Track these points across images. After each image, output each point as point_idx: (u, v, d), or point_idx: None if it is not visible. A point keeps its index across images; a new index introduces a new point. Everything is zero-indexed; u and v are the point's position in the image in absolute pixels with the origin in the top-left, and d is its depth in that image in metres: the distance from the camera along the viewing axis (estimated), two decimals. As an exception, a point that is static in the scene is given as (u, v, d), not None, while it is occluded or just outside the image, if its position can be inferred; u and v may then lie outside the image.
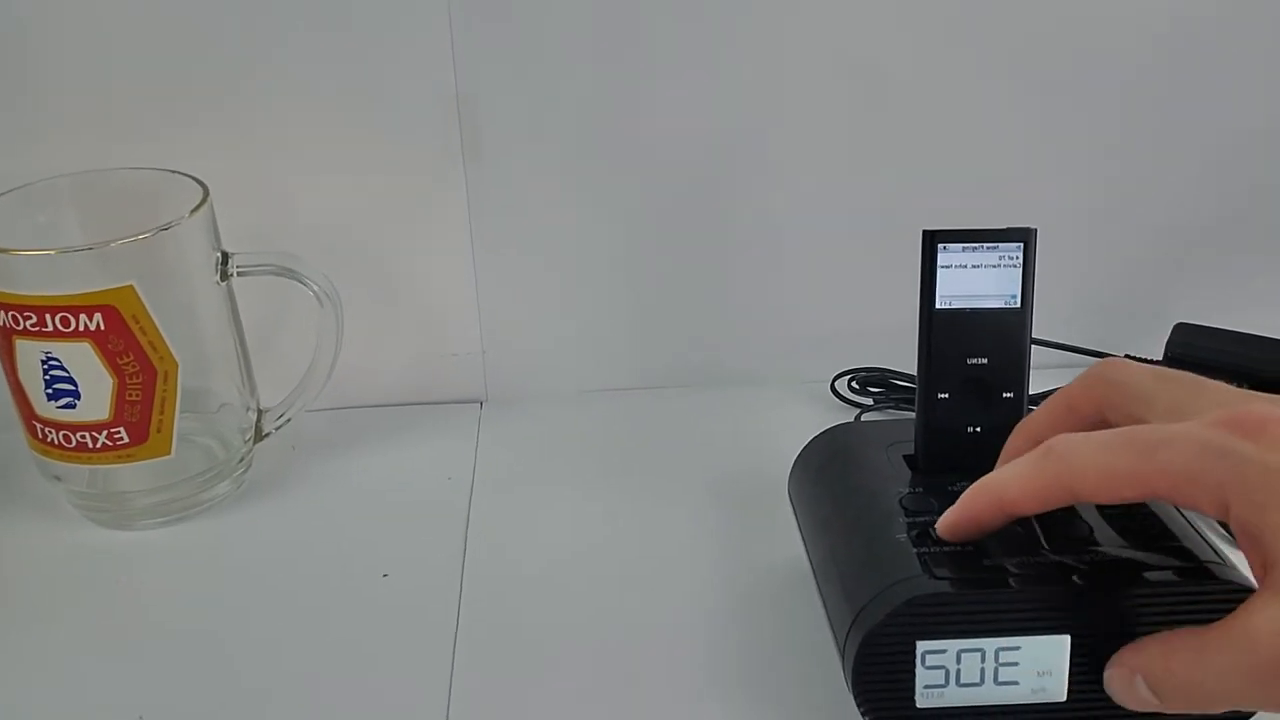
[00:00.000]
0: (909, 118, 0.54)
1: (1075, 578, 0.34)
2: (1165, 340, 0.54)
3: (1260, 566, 0.29)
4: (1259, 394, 0.32)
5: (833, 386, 0.57)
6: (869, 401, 0.56)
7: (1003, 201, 0.54)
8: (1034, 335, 0.55)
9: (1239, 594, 0.33)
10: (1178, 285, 0.57)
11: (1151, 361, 0.54)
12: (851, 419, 0.54)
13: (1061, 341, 0.56)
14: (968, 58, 0.53)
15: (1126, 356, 0.55)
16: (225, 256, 0.48)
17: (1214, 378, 0.52)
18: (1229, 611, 0.30)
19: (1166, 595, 0.34)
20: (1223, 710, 0.30)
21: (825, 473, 0.43)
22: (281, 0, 0.50)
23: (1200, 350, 0.53)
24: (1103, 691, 0.34)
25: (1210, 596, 0.33)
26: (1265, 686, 0.28)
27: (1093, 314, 0.57)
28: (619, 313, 0.58)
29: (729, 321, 0.58)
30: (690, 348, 0.59)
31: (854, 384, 0.56)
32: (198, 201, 0.46)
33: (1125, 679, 0.32)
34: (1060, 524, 0.36)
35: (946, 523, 0.35)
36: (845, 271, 0.56)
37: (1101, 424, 0.34)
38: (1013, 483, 0.33)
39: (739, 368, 0.59)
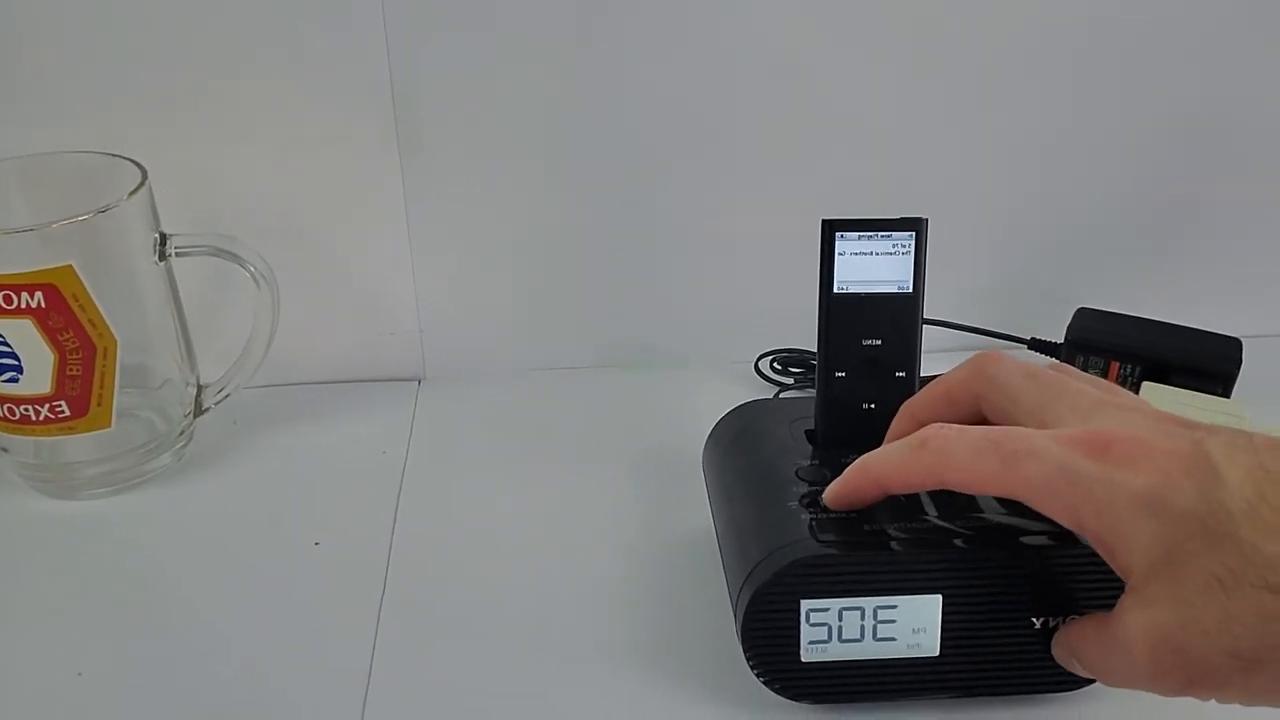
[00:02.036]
0: (825, 114, 0.56)
1: (950, 542, 0.37)
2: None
3: (1121, 573, 0.32)
4: (1114, 396, 0.34)
5: (756, 367, 0.59)
6: (790, 381, 0.58)
7: (917, 191, 0.56)
8: (942, 318, 0.58)
9: (1090, 554, 0.35)
10: (1082, 272, 0.60)
11: (1053, 344, 0.57)
12: (771, 397, 0.57)
13: (971, 324, 0.58)
14: (880, 55, 0.55)
15: (1032, 339, 0.58)
16: (164, 238, 0.49)
17: (1111, 360, 0.56)
18: (1096, 573, 0.33)
19: (1034, 559, 0.36)
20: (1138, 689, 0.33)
21: (733, 446, 0.45)
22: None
23: (1097, 334, 0.55)
24: (973, 647, 0.37)
25: (1076, 560, 0.36)
26: (1149, 681, 0.31)
27: (1001, 298, 0.60)
28: (553, 295, 0.59)
29: (659, 305, 0.60)
30: (621, 331, 0.61)
31: (775, 364, 0.59)
32: (136, 184, 0.48)
33: (1063, 655, 0.36)
34: (944, 493, 0.39)
35: (831, 493, 0.38)
36: (768, 258, 0.58)
37: (975, 413, 0.37)
38: (889, 466, 0.36)
39: (668, 349, 0.61)
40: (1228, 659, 0.29)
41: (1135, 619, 0.31)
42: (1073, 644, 0.36)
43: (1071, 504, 0.31)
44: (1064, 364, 0.36)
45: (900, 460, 0.35)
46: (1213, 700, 0.30)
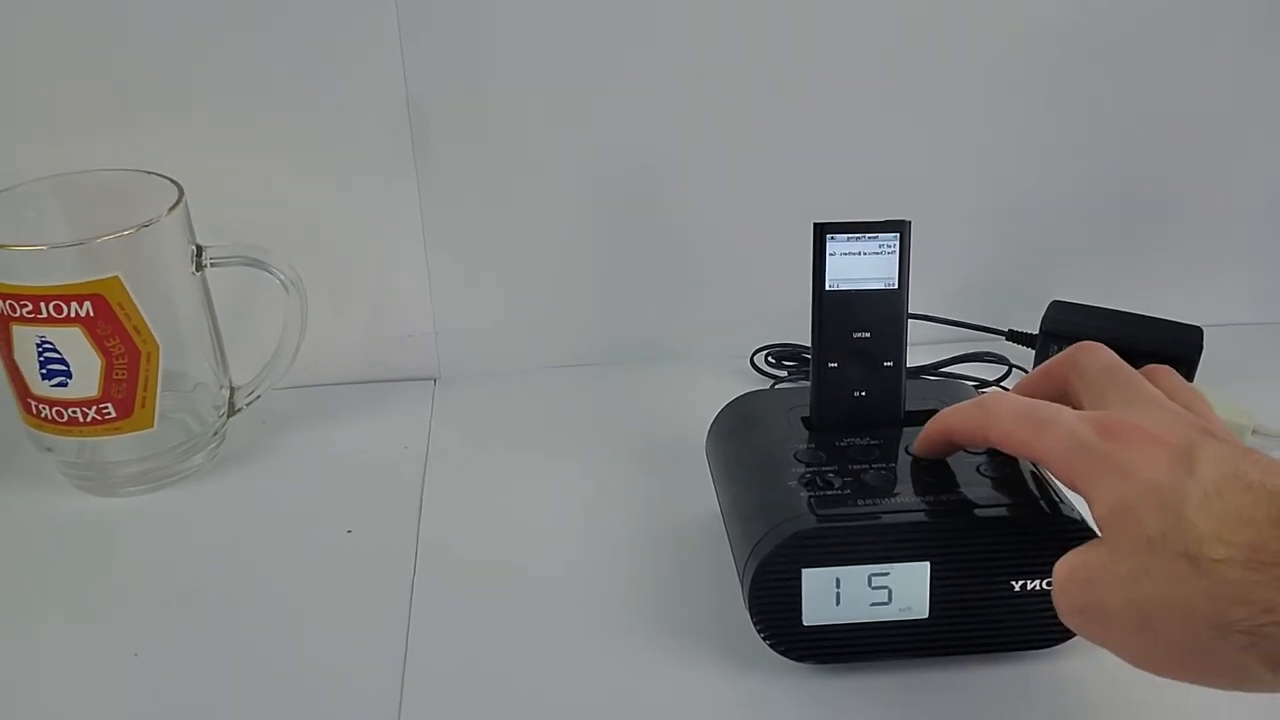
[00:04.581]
0: (814, 122, 0.59)
1: (936, 514, 0.40)
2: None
3: (1095, 526, 0.35)
4: (1170, 399, 0.37)
5: (752, 361, 0.62)
6: (784, 374, 0.62)
7: (901, 194, 0.59)
8: (924, 312, 0.62)
9: (1073, 529, 0.39)
10: (1055, 267, 0.63)
11: (1030, 335, 0.61)
12: (768, 389, 0.60)
13: (953, 318, 0.62)
14: (865, 68, 0.58)
15: (1010, 331, 0.62)
16: (199, 249, 0.52)
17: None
18: (1069, 540, 0.35)
19: (1010, 528, 0.40)
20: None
21: (735, 434, 0.48)
22: (245, 17, 0.54)
23: (1069, 325, 0.59)
24: (958, 609, 0.41)
25: (1050, 529, 0.40)
26: (1056, 598, 0.35)
27: (981, 293, 0.63)
28: (560, 297, 0.62)
29: (661, 305, 0.63)
30: (625, 329, 0.64)
31: (770, 358, 0.62)
32: (173, 200, 0.50)
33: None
34: (929, 472, 0.42)
35: (917, 446, 0.43)
36: (763, 259, 0.61)
37: (1064, 392, 0.40)
38: (954, 419, 0.41)
39: (670, 345, 0.64)
40: (1127, 606, 0.32)
41: (1077, 551, 0.34)
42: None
43: (1069, 465, 0.35)
44: (1163, 368, 0.40)
45: (962, 414, 0.40)
46: (1100, 645, 0.33)
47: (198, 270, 0.52)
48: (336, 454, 0.57)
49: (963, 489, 0.41)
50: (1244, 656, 0.30)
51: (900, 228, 0.45)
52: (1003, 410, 0.38)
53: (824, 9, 0.57)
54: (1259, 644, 0.30)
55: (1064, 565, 0.34)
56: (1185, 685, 0.32)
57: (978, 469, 0.42)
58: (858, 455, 0.43)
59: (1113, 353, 0.40)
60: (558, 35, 0.56)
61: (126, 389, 0.51)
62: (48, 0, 0.53)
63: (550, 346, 0.64)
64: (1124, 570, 0.32)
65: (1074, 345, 0.41)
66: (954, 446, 0.42)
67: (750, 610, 0.41)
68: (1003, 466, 0.42)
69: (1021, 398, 0.39)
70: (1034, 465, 0.43)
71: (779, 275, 0.61)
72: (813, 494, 0.41)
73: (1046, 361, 0.42)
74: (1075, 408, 0.38)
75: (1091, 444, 0.35)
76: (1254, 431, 0.55)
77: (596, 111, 0.58)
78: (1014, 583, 0.41)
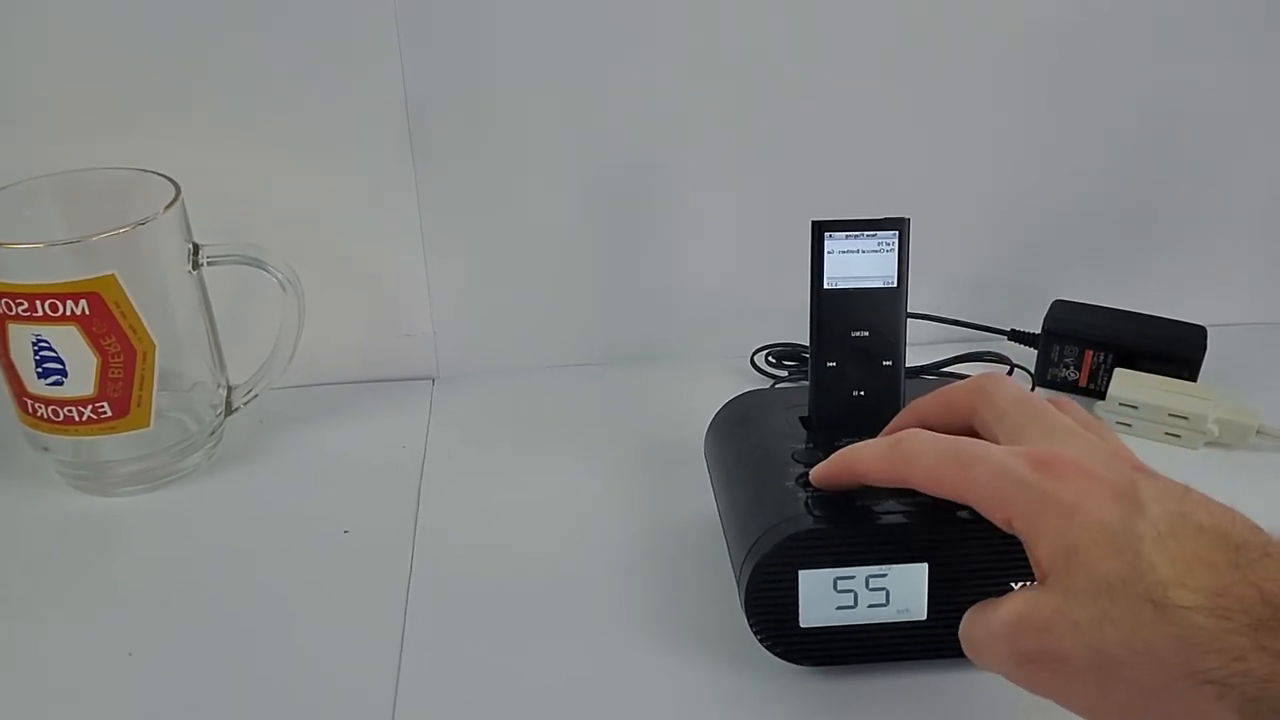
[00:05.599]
0: (813, 121, 0.59)
1: (935, 515, 0.40)
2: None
3: (1034, 568, 0.33)
4: (1089, 430, 0.36)
5: (752, 360, 0.62)
6: (784, 373, 0.62)
7: (900, 192, 0.59)
8: (925, 311, 0.62)
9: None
10: (1057, 266, 0.63)
11: (1031, 334, 0.61)
12: (768, 388, 0.60)
13: (953, 317, 0.62)
14: (865, 67, 0.58)
15: (1011, 331, 0.62)
16: (196, 248, 0.52)
17: (1085, 349, 0.59)
18: None
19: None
20: (993, 671, 0.34)
21: (733, 433, 0.48)
22: (245, 17, 0.54)
23: (1072, 325, 0.59)
24: (957, 611, 0.40)
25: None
26: (1002, 645, 0.33)
27: (982, 292, 0.63)
28: (558, 297, 0.62)
29: (659, 304, 0.63)
30: (624, 329, 0.63)
31: (770, 357, 0.62)
32: (170, 198, 0.50)
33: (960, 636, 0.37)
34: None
35: (815, 473, 0.41)
36: (761, 258, 0.61)
37: (969, 423, 0.39)
38: (865, 460, 0.39)
39: (669, 345, 0.64)
40: (1087, 652, 0.30)
41: (1017, 598, 0.33)
42: (965, 617, 0.36)
43: (1005, 503, 0.34)
44: (1066, 399, 0.39)
45: (874, 456, 0.38)
46: (1044, 695, 0.32)
47: (194, 269, 0.52)
48: (334, 454, 0.57)
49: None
50: (1214, 706, 0.29)
51: (899, 225, 0.45)
52: (923, 451, 0.36)
53: (824, 9, 0.56)
54: (1228, 694, 0.29)
55: (1009, 613, 0.33)
56: None
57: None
58: (856, 455, 0.43)
59: (1019, 385, 0.38)
60: (557, 35, 0.56)
61: (122, 388, 0.51)
62: (48, 0, 0.53)
63: (549, 346, 0.64)
64: (1081, 616, 0.31)
65: (977, 375, 0.40)
66: (859, 484, 0.40)
67: (747, 612, 0.41)
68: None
69: (941, 435, 0.37)
70: None
71: (779, 275, 0.61)
72: (810, 495, 0.41)
73: (946, 388, 0.41)
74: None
75: (1028, 480, 0.33)
76: (1258, 432, 0.55)
77: (596, 111, 0.58)
78: (1013, 584, 0.40)
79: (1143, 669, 0.30)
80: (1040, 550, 0.33)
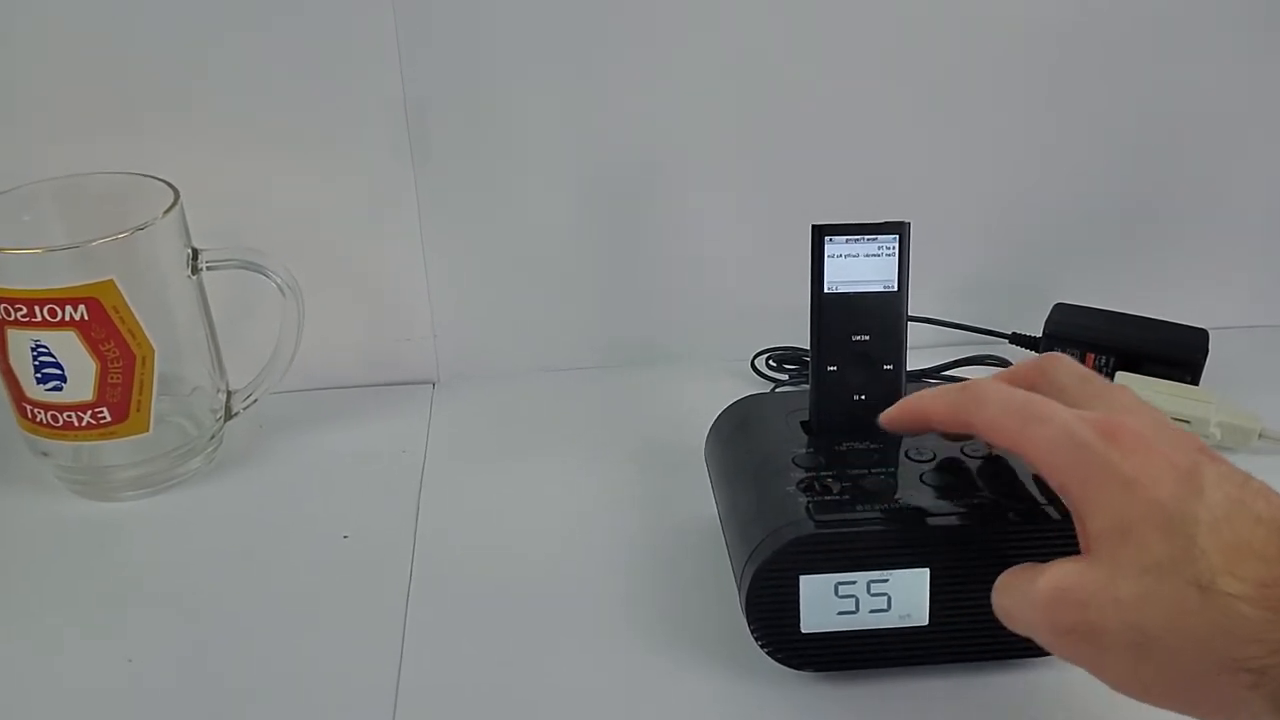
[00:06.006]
0: (812, 124, 0.58)
1: (936, 520, 0.40)
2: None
3: (1082, 541, 0.34)
4: (1153, 409, 0.36)
5: (752, 364, 0.62)
6: (784, 377, 0.61)
7: (901, 195, 0.59)
8: (926, 315, 0.62)
9: (1065, 531, 0.39)
10: (1058, 269, 0.63)
11: (1033, 338, 0.61)
12: (768, 392, 0.60)
13: (954, 320, 0.61)
14: (864, 69, 0.58)
15: (1013, 334, 0.62)
16: (195, 253, 0.52)
17: (1086, 352, 0.59)
18: (1066, 547, 0.35)
19: (1012, 534, 0.39)
20: (1030, 635, 0.35)
21: (734, 437, 0.48)
22: (245, 18, 0.53)
23: (1074, 328, 0.58)
24: (959, 616, 0.40)
25: (1042, 535, 0.39)
26: (1040, 615, 0.33)
27: (983, 295, 0.63)
28: (559, 300, 0.62)
29: (659, 308, 0.63)
30: (624, 332, 0.63)
31: (771, 361, 0.62)
32: (169, 203, 0.50)
33: (994, 600, 0.37)
34: (929, 477, 0.42)
35: (885, 417, 0.41)
36: (761, 262, 0.61)
37: None
38: (935, 401, 0.39)
39: (669, 349, 0.64)
40: (1127, 630, 0.31)
41: (1058, 568, 0.33)
42: (997, 587, 0.36)
43: (1064, 468, 0.34)
44: (1121, 384, 0.38)
45: (944, 397, 0.38)
46: (1082, 666, 0.32)
47: (194, 273, 0.52)
48: (334, 458, 0.57)
49: (964, 494, 0.41)
50: (1248, 695, 0.29)
51: (899, 229, 0.45)
52: (990, 397, 0.36)
53: (824, 9, 0.56)
54: (1265, 683, 0.29)
55: (1050, 583, 0.33)
56: None
57: (978, 473, 0.42)
58: (857, 460, 0.43)
59: (1080, 364, 0.38)
60: (557, 35, 0.56)
61: (121, 393, 0.50)
62: (48, 0, 0.53)
63: (549, 349, 0.63)
64: (1125, 593, 0.31)
65: (1040, 355, 0.39)
66: (927, 429, 0.40)
67: (747, 617, 0.40)
68: (1005, 472, 0.42)
69: (1014, 388, 0.36)
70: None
71: (780, 277, 0.60)
72: (811, 499, 0.41)
73: (1012, 366, 0.40)
74: None
75: (1092, 446, 0.33)
76: (1260, 435, 0.54)
77: (596, 112, 0.58)
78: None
79: (1181, 651, 0.30)
80: (1093, 522, 0.33)
